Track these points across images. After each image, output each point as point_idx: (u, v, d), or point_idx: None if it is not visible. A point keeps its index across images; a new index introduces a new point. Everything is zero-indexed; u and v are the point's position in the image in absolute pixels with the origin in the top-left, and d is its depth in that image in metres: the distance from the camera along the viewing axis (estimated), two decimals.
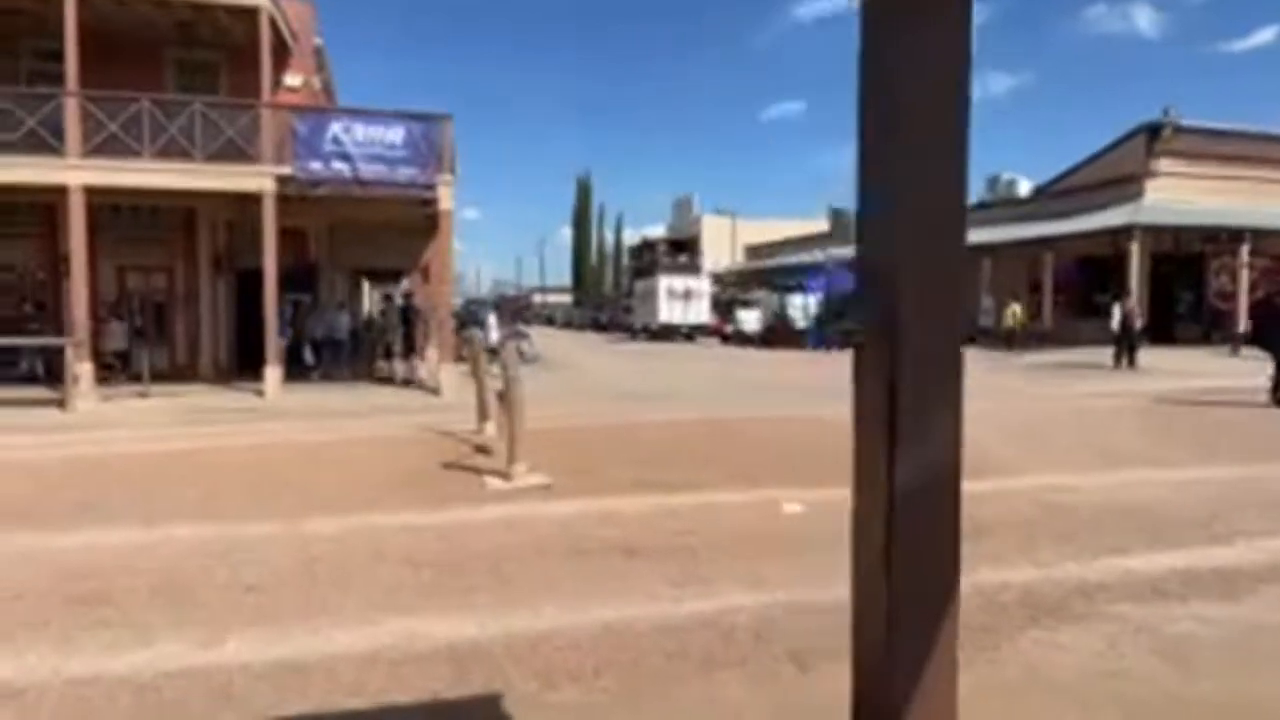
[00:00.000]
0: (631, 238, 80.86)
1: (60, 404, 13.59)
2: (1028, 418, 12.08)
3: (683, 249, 56.80)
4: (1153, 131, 25.55)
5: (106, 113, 14.03)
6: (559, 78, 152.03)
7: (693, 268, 49.84)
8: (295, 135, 14.80)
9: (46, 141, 13.90)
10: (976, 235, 27.89)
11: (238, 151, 14.71)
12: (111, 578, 5.23)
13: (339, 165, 15.01)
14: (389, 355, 19.08)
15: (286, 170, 14.78)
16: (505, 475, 7.79)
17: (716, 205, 57.60)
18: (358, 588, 5.10)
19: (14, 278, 17.73)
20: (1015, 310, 23.71)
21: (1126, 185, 24.78)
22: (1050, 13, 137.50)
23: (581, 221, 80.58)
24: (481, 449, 9.48)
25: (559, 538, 6.05)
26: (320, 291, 20.21)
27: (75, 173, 13.94)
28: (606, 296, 73.37)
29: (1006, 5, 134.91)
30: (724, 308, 38.76)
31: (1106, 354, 20.06)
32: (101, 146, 14.07)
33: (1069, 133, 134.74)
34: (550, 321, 63.17)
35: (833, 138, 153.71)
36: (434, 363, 17.88)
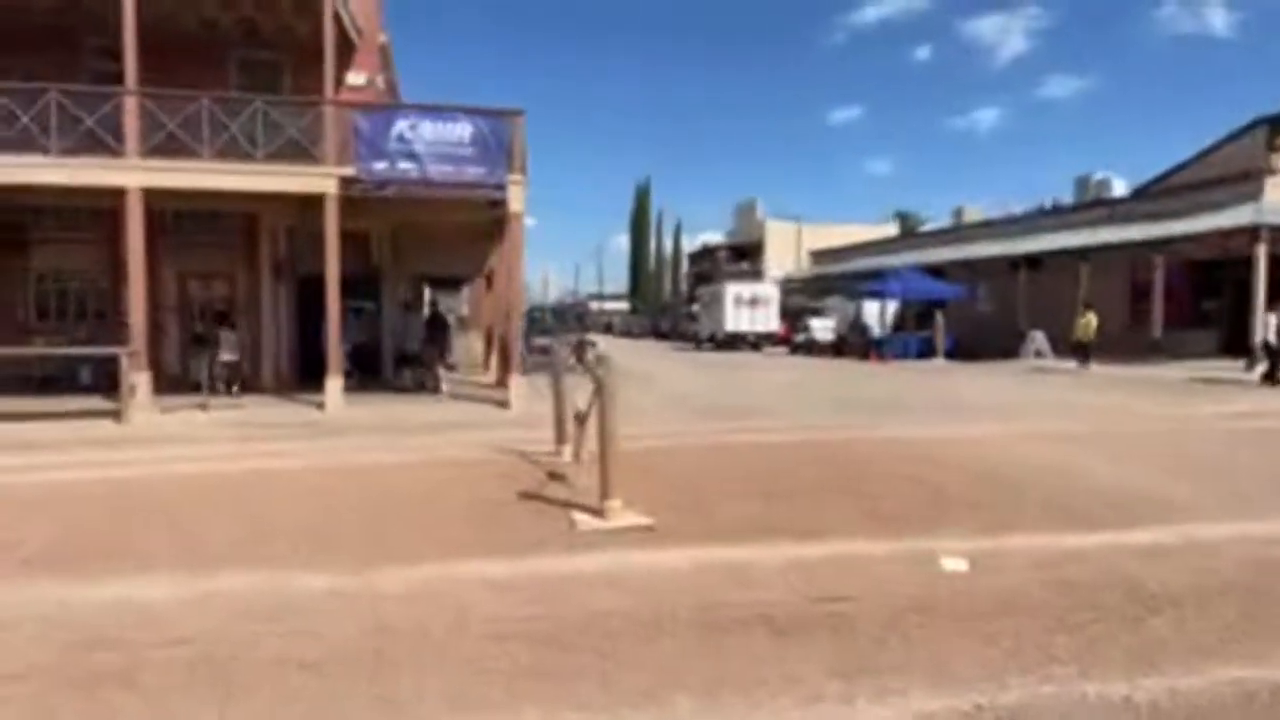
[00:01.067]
0: (688, 245, 79.94)
1: (116, 416, 12.95)
2: (1182, 445, 10.58)
3: (745, 255, 55.44)
4: (1274, 125, 23.49)
5: (166, 112, 13.40)
6: (616, 86, 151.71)
7: (756, 274, 48.51)
8: (359, 134, 14.00)
9: (105, 142, 13.31)
10: (1070, 239, 26.07)
11: (300, 152, 13.96)
12: (139, 650, 4.24)
13: (405, 165, 14.17)
14: (408, 364, 18.11)
15: (350, 171, 13.98)
16: (598, 512, 6.68)
17: (777, 210, 56.17)
18: (435, 669, 4.03)
19: (77, 285, 17.32)
20: (1090, 321, 21.72)
21: (1243, 183, 22.75)
22: (1119, 15, 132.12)
23: (639, 228, 79.68)
24: (562, 476, 8.40)
25: (679, 602, 4.91)
26: (383, 299, 19.48)
27: (134, 174, 13.32)
28: (665, 304, 72.36)
29: (1074, 8, 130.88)
30: (793, 316, 37.33)
31: (1225, 367, 18.23)
32: (161, 147, 13.44)
33: (1142, 134, 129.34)
34: (608, 329, 62.32)
35: (889, 143, 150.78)
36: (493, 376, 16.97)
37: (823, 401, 15.81)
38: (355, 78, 17.16)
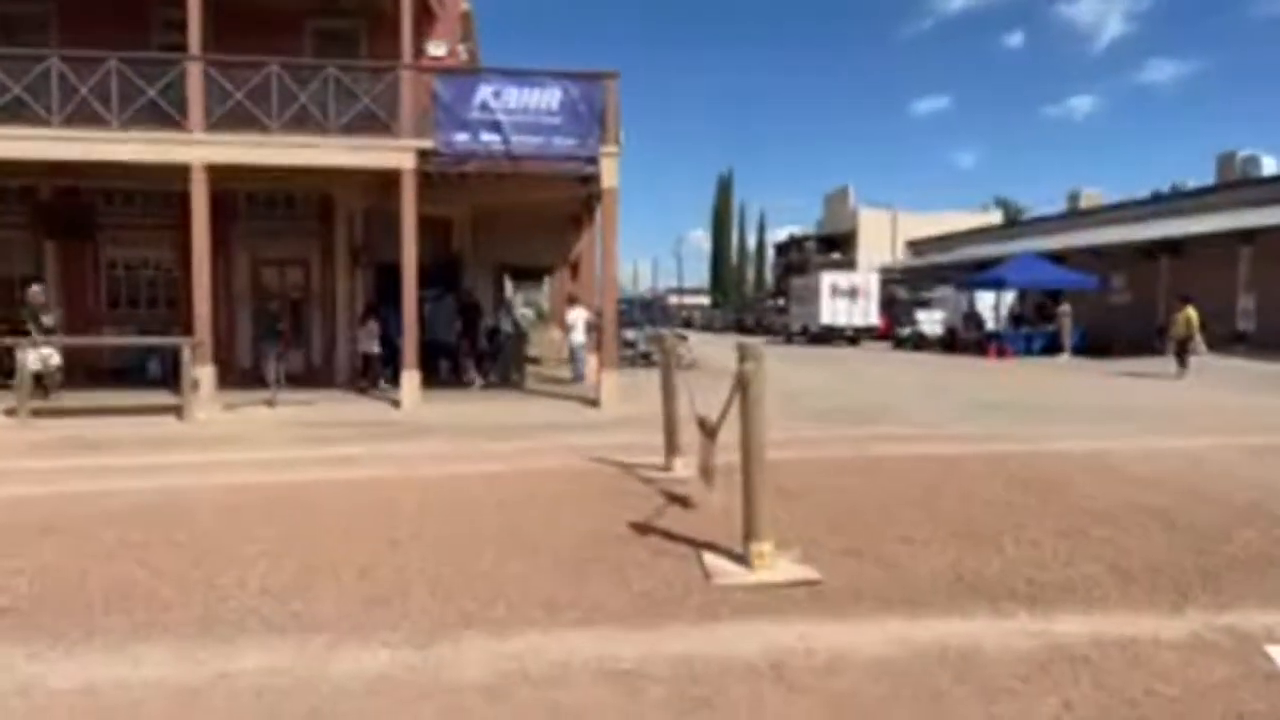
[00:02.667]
0: (769, 239, 77.55)
1: (178, 412, 11.89)
2: None
3: (835, 246, 52.92)
4: None
5: (232, 81, 12.27)
6: (692, 78, 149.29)
7: (848, 264, 46.07)
8: (438, 102, 12.62)
9: (168, 115, 12.25)
10: (1222, 221, 23.18)
11: (375, 124, 12.67)
12: None
13: (488, 137, 12.73)
14: (443, 355, 16.61)
15: (428, 144, 12.62)
16: (739, 557, 5.01)
17: (867, 199, 53.41)
18: None
19: (150, 273, 16.51)
20: (1190, 316, 18.00)
21: None
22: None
23: (721, 221, 77.57)
24: (682, 499, 6.76)
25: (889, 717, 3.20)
26: (463, 289, 18.20)
27: (197, 148, 12.22)
28: (748, 298, 70.19)
29: None
30: (896, 307, 34.91)
31: None
32: (227, 119, 12.32)
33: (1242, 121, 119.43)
34: (688, 324, 60.59)
35: (976, 133, 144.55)
36: (593, 369, 15.47)
37: (959, 403, 13.77)
38: (435, 48, 15.81)
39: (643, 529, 5.87)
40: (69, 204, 15.62)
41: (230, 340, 16.10)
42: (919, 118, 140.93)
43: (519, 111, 12.73)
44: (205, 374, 12.46)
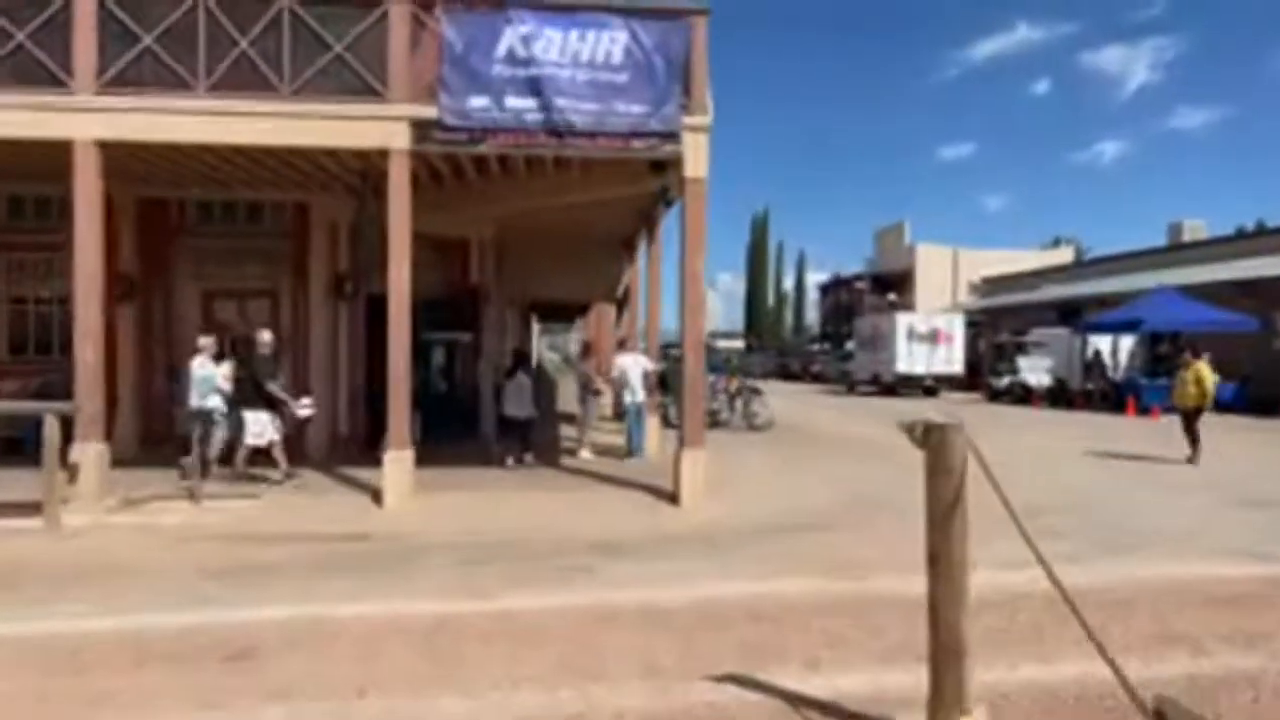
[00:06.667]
0: (808, 279, 73.50)
1: (42, 513, 7.65)
2: None
3: (890, 286, 48.38)
4: None
5: (141, 23, 8.25)
6: (725, 127, 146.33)
7: (906, 306, 41.61)
8: (446, 52, 8.50)
9: (46, 72, 8.22)
10: None
11: (351, 85, 8.57)
12: None
13: (517, 102, 8.58)
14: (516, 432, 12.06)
15: (429, 112, 8.49)
16: None
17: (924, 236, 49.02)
18: None
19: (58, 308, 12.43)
20: (1201, 374, 12.44)
21: None
22: (1250, 45, 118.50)
23: (757, 262, 73.47)
24: None
25: None
26: (483, 331, 14.06)
27: (82, 118, 8.16)
28: (787, 341, 65.71)
29: (1203, 38, 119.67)
30: (985, 353, 30.36)
31: None
32: (129, 77, 8.26)
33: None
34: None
35: (1003, 178, 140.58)
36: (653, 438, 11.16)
37: (1216, 501, 9.28)
38: None
39: None
40: None
41: (166, 399, 11.96)
42: (946, 164, 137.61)
43: (564, 65, 8.58)
44: (90, 455, 8.26)
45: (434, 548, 6.95)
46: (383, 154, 8.56)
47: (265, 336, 9.87)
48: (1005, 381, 25.61)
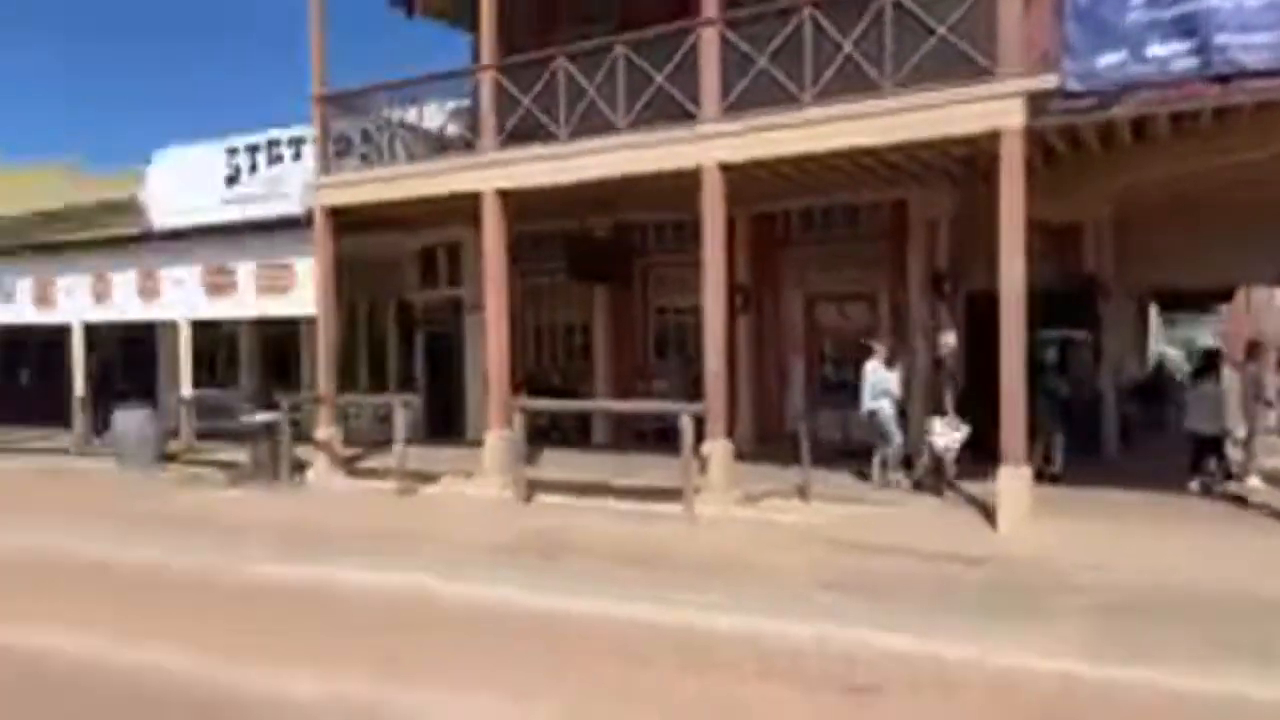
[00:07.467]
0: None
1: (681, 500, 8.65)
2: None
3: None
4: None
5: (754, 43, 8.77)
6: None
7: None
8: (1070, 7, 7.31)
9: (676, 105, 9.26)
10: None
11: (956, 67, 7.93)
12: None
13: (1161, 49, 6.97)
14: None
15: (1047, 82, 7.40)
16: None
17: None
18: None
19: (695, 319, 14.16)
20: None
21: None
22: None
23: None
24: None
25: None
26: (1103, 327, 12.21)
27: (708, 145, 8.97)
28: None
29: None
30: None
31: None
32: (744, 98, 8.85)
33: None
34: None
35: None
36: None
37: None
38: None
39: None
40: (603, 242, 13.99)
41: (780, 402, 12.80)
42: None
43: None
44: (717, 450, 9.07)
45: (1076, 590, 5.91)
46: (992, 136, 7.73)
47: (949, 339, 9.72)
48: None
